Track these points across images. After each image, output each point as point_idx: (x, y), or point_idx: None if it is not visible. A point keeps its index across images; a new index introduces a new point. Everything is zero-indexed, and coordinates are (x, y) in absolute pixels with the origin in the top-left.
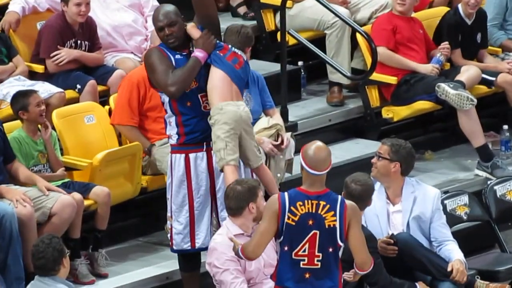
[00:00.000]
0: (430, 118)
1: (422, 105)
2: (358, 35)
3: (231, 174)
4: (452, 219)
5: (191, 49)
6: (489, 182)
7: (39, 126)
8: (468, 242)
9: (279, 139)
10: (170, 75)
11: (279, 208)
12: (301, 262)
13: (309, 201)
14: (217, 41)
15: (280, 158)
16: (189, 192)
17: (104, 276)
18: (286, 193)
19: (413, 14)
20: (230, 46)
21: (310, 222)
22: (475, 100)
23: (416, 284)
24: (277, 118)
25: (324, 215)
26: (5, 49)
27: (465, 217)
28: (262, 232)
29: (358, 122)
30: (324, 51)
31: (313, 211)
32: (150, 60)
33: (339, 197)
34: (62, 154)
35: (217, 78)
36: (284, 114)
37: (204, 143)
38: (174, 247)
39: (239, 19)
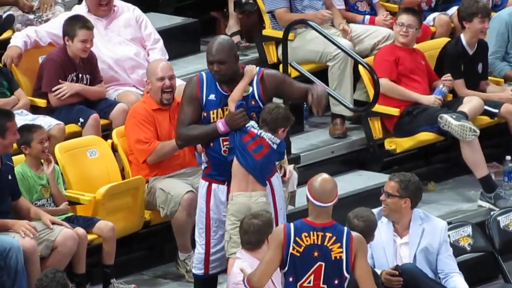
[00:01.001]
0: (432, 149)
1: (425, 136)
2: (360, 67)
3: (234, 267)
4: (455, 250)
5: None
6: (492, 213)
7: (42, 160)
8: (472, 273)
9: (282, 171)
10: (185, 128)
11: (284, 238)
12: None
13: (315, 232)
14: (246, 125)
15: (283, 190)
16: (206, 220)
17: None
18: (292, 224)
19: (415, 45)
20: (256, 131)
21: (316, 254)
22: (478, 131)
23: None
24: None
25: (330, 247)
26: (7, 82)
27: (468, 248)
28: (267, 262)
29: (361, 154)
30: (326, 83)
31: (319, 242)
32: (183, 91)
33: (345, 228)
34: (65, 188)
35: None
36: (287, 147)
37: (226, 180)
38: (192, 270)
39: (242, 50)
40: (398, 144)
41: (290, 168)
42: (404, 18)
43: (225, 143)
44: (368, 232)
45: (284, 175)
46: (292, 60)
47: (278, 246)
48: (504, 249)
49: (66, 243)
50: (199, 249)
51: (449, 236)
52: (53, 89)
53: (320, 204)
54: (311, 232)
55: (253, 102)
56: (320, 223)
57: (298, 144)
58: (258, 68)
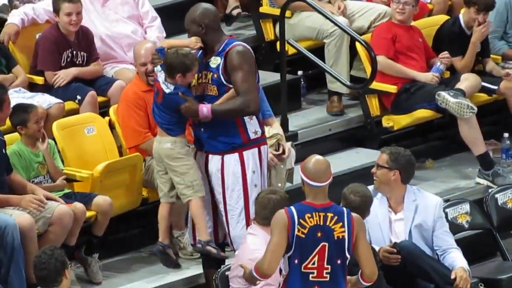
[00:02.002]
0: (430, 126)
1: (423, 113)
2: (357, 44)
3: (162, 209)
4: (453, 227)
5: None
6: (490, 191)
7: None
8: (470, 250)
9: (280, 149)
10: None
11: (289, 221)
12: (311, 275)
13: (317, 213)
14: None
15: (281, 168)
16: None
17: (97, 284)
18: (292, 207)
19: (413, 23)
20: (158, 75)
21: (319, 234)
22: (475, 108)
23: None
24: (276, 128)
25: (333, 227)
26: (4, 59)
27: (466, 226)
28: (274, 248)
29: (358, 131)
30: (323, 60)
31: (321, 223)
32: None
33: (345, 209)
34: (63, 165)
35: None
36: (284, 124)
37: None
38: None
39: (236, 26)
40: (396, 122)
41: (288, 145)
42: None
43: None
44: (364, 207)
45: (283, 152)
46: (289, 37)
47: (283, 230)
48: (502, 227)
49: (62, 219)
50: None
51: (447, 213)
52: (52, 80)
53: (316, 184)
54: (314, 213)
55: (215, 76)
56: (320, 204)
57: (296, 121)
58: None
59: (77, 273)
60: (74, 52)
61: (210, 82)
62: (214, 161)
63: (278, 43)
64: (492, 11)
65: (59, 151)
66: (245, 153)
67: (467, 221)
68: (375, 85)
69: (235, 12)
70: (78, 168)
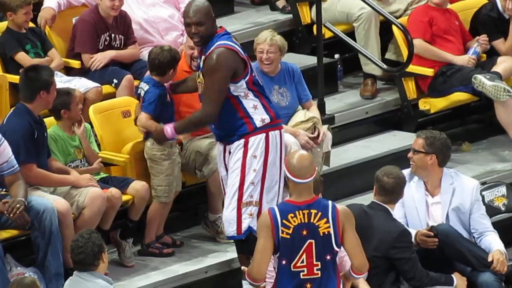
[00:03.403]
0: (467, 109)
1: (459, 96)
2: (394, 27)
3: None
4: (490, 210)
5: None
6: None
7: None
8: (506, 233)
9: (316, 132)
10: None
11: (272, 223)
12: (301, 274)
13: (300, 211)
14: None
15: (317, 151)
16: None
17: (130, 268)
18: (275, 207)
19: (449, 6)
20: None
21: (304, 233)
22: None
23: (453, 276)
24: (314, 111)
25: (317, 224)
26: (40, 43)
27: (503, 208)
28: (261, 251)
29: (395, 114)
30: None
31: (306, 221)
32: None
33: (330, 202)
34: (99, 150)
35: None
36: (321, 107)
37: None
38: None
39: (276, 13)
40: (432, 105)
41: (324, 128)
42: None
43: None
44: (399, 189)
45: (318, 136)
46: (325, 21)
47: (268, 233)
48: None
49: (94, 203)
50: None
51: (483, 196)
52: (89, 63)
53: (300, 180)
54: (296, 212)
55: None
56: (303, 201)
57: (332, 104)
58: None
59: (111, 257)
60: (112, 35)
61: (202, 82)
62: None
63: (314, 27)
64: None
65: (95, 135)
66: (251, 138)
67: (504, 204)
68: (412, 68)
69: (280, 4)
70: (115, 152)
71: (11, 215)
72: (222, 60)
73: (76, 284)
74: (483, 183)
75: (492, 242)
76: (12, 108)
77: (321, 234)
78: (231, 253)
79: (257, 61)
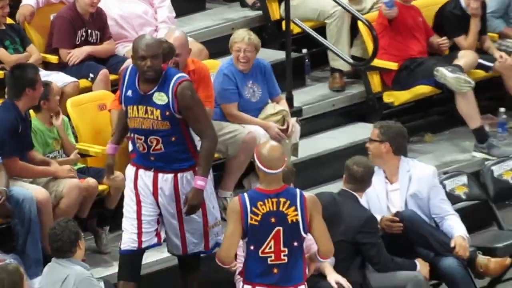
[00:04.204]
0: (429, 102)
1: (422, 89)
2: (360, 24)
3: None
4: (451, 198)
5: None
6: (486, 163)
7: (51, 114)
8: (467, 220)
9: (285, 124)
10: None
11: (241, 210)
12: (269, 259)
13: (269, 199)
14: None
15: (286, 142)
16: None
17: (106, 254)
18: (245, 194)
19: (413, 2)
20: None
21: (273, 220)
22: (473, 83)
23: (416, 261)
24: (283, 105)
25: (286, 211)
26: (19, 39)
27: (464, 197)
28: (229, 236)
29: (360, 107)
30: (325, 39)
31: (274, 209)
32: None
33: (298, 191)
34: (76, 141)
35: None
36: (289, 100)
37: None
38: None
39: (246, 9)
40: (396, 97)
41: (292, 121)
42: None
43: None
44: (367, 177)
45: (287, 128)
46: (294, 17)
47: (237, 219)
48: (497, 198)
49: (72, 192)
50: (131, 227)
51: (445, 185)
52: (67, 58)
53: (271, 171)
54: (266, 200)
55: (167, 113)
56: (273, 189)
57: (300, 97)
58: (176, 78)
59: (88, 244)
60: (89, 31)
61: (159, 118)
62: (166, 178)
63: (283, 23)
64: None
65: (72, 127)
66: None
67: (465, 193)
68: (376, 62)
69: (249, 1)
70: (91, 143)
71: None
72: (192, 85)
73: (54, 270)
74: (444, 173)
75: (454, 226)
76: None
77: (290, 222)
78: None
79: (233, 58)
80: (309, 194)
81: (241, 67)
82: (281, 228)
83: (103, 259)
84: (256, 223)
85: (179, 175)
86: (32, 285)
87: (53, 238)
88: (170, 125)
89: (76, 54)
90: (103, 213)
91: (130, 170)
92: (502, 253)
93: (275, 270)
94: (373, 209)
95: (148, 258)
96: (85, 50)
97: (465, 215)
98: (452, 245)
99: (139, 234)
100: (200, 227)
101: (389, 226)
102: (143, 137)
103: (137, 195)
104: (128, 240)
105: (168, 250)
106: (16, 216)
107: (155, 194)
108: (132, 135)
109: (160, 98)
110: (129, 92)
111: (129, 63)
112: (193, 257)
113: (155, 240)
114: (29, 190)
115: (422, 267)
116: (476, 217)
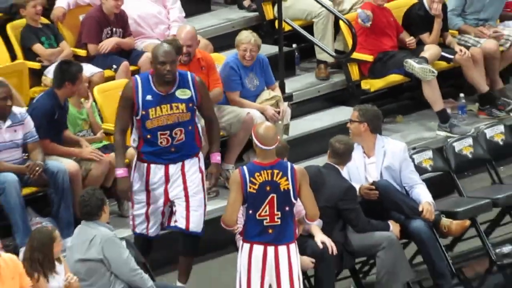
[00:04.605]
0: (400, 88)
1: (394, 78)
2: (341, 22)
3: None
4: (419, 170)
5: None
6: (448, 140)
7: (82, 100)
8: (432, 189)
9: (278, 108)
10: (118, 132)
11: (241, 180)
12: (264, 221)
13: (265, 171)
14: None
15: (279, 123)
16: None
17: (127, 217)
18: (245, 167)
19: (385, 4)
20: None
21: (268, 188)
22: (436, 72)
23: (389, 222)
24: (276, 91)
25: (279, 181)
26: (53, 36)
27: (429, 169)
28: (232, 203)
29: (342, 93)
30: (312, 36)
31: (269, 179)
32: (122, 92)
33: (289, 164)
34: (102, 122)
35: None
36: (282, 87)
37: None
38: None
39: (243, 11)
40: (372, 85)
41: (284, 105)
42: None
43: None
44: (347, 153)
45: (280, 111)
46: (285, 17)
47: (238, 188)
48: (458, 169)
49: (99, 167)
50: (141, 219)
51: (413, 159)
52: (98, 49)
53: (266, 147)
54: (262, 171)
55: (190, 105)
56: (268, 162)
57: (291, 85)
58: (190, 75)
59: (112, 209)
60: (113, 29)
61: (185, 111)
62: (176, 167)
63: (276, 22)
64: None
65: (98, 110)
66: (200, 154)
67: (430, 165)
68: (355, 55)
69: (246, 3)
70: (114, 124)
71: (32, 175)
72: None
73: (84, 231)
74: (413, 148)
75: (421, 194)
76: (41, 89)
77: (282, 190)
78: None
79: (238, 54)
80: (298, 166)
81: (246, 64)
82: (275, 195)
83: (124, 222)
84: (254, 191)
85: (186, 161)
86: (65, 244)
87: (82, 204)
88: (190, 116)
89: (106, 44)
90: None
91: (140, 166)
92: (462, 216)
93: (270, 231)
94: (353, 179)
95: None
96: (113, 40)
97: (431, 184)
98: (420, 209)
99: (147, 227)
100: (202, 207)
101: (367, 193)
102: (168, 131)
103: (147, 190)
104: (140, 227)
105: (172, 227)
106: (51, 185)
107: (166, 184)
108: (148, 135)
109: (183, 93)
110: (148, 97)
111: (146, 55)
112: (194, 238)
113: (159, 231)
114: (63, 164)
115: (394, 227)
116: (440, 186)
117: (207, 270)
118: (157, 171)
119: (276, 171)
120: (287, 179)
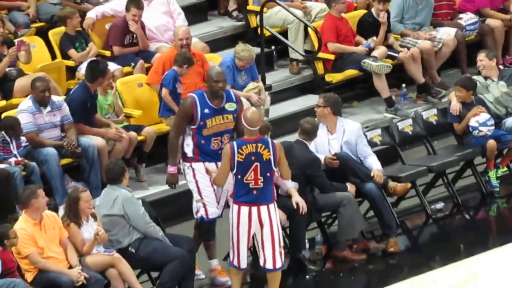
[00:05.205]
0: (356, 80)
1: (351, 72)
2: (309, 29)
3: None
4: (370, 144)
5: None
6: (394, 121)
7: (110, 88)
8: (381, 159)
9: (261, 95)
10: (174, 134)
11: (231, 151)
12: (250, 184)
13: (250, 144)
14: None
15: (261, 108)
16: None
17: (143, 182)
18: (234, 142)
19: (343, 15)
20: None
21: (253, 158)
22: (391, 66)
23: (347, 184)
24: (259, 83)
25: (262, 152)
26: (84, 40)
27: (379, 143)
28: (223, 169)
29: (310, 84)
30: (287, 39)
31: (254, 150)
32: (181, 105)
33: (269, 139)
34: (123, 107)
35: None
36: (263, 80)
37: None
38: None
39: (233, 20)
40: (334, 77)
41: (265, 94)
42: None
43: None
44: (314, 131)
45: (261, 98)
46: (266, 25)
47: (228, 159)
48: (401, 143)
49: (122, 143)
50: (212, 201)
51: (366, 135)
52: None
53: (252, 128)
54: (248, 145)
55: (235, 115)
56: (253, 138)
57: (271, 78)
58: (232, 92)
59: (131, 175)
60: (134, 35)
61: (232, 120)
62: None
63: (259, 29)
64: (394, 3)
65: (120, 98)
66: None
67: (379, 140)
68: (320, 54)
69: (234, 14)
70: (133, 109)
71: (69, 148)
72: None
73: (108, 193)
74: (366, 127)
75: (373, 163)
76: (77, 82)
77: (264, 159)
78: None
79: (236, 62)
80: (276, 142)
81: (241, 68)
82: (258, 164)
83: (141, 185)
84: (241, 160)
85: None
86: (94, 202)
87: (107, 171)
88: (233, 125)
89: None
90: (140, 154)
91: (199, 165)
92: (404, 180)
93: (255, 192)
94: (319, 152)
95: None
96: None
97: (380, 155)
98: (372, 175)
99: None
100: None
101: (330, 163)
102: (219, 137)
103: (210, 181)
104: (213, 212)
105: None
106: (83, 157)
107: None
108: (202, 140)
109: (230, 106)
110: (206, 110)
111: (158, 56)
112: None
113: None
114: (92, 140)
115: (350, 188)
116: (387, 156)
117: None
118: (210, 168)
119: (259, 145)
120: (269, 151)
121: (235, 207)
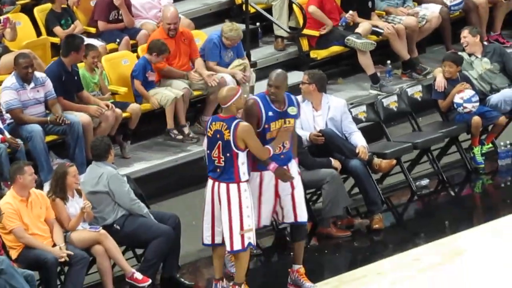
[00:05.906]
0: (340, 57)
1: (336, 48)
2: (294, 5)
3: None
4: (355, 120)
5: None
6: (378, 97)
7: (96, 67)
8: (366, 135)
9: (246, 72)
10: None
11: (206, 126)
12: (215, 161)
13: (218, 122)
14: None
15: (246, 85)
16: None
17: (128, 159)
18: (211, 117)
19: None
20: None
21: (218, 136)
22: (375, 43)
23: (331, 159)
24: (244, 60)
25: (224, 132)
26: (70, 17)
27: (364, 119)
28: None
29: (296, 60)
30: (271, 16)
31: (219, 128)
32: (246, 110)
33: (236, 121)
34: (108, 84)
35: None
36: (248, 57)
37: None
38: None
39: None
40: (319, 54)
41: (250, 70)
42: None
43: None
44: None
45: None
46: (250, 2)
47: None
48: (386, 120)
49: (108, 119)
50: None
51: (351, 112)
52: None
53: (222, 105)
54: (217, 122)
55: (295, 120)
56: (224, 116)
57: (256, 54)
58: (293, 95)
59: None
60: (119, 11)
61: (293, 124)
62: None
63: (244, 5)
64: None
65: (106, 77)
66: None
67: (364, 117)
68: (305, 31)
69: None
70: (118, 86)
71: (60, 122)
72: None
73: (94, 169)
74: (351, 104)
75: (358, 139)
76: (54, 59)
77: (225, 139)
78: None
79: (223, 39)
80: (244, 123)
81: (228, 46)
82: (221, 143)
83: (126, 162)
84: (210, 136)
85: (289, 165)
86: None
87: (93, 148)
88: (294, 129)
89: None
90: (125, 131)
91: (253, 177)
92: (389, 157)
93: (218, 170)
94: (304, 128)
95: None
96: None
97: (365, 132)
98: (357, 151)
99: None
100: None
101: (315, 139)
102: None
103: (260, 193)
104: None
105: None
106: (68, 133)
107: (276, 183)
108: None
109: (292, 110)
110: (270, 113)
111: (142, 33)
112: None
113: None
114: (77, 117)
115: (335, 163)
116: (372, 133)
117: (192, 198)
118: (266, 176)
119: (223, 124)
120: (229, 132)
121: (209, 181)
